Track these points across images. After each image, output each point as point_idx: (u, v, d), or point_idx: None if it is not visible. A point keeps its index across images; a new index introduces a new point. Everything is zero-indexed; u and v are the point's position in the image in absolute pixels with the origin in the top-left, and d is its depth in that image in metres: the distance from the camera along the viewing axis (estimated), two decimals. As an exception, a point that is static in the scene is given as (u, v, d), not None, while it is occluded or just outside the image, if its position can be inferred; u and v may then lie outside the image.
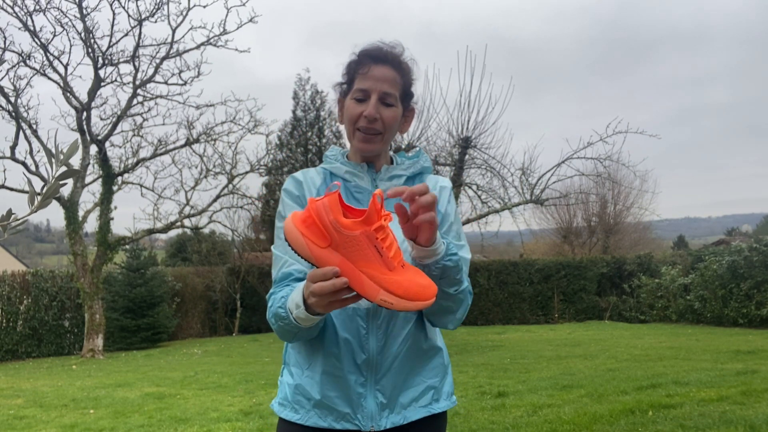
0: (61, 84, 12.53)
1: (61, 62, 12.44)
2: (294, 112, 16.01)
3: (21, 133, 12.15)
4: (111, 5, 12.01)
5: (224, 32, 12.79)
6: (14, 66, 12.09)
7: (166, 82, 13.34)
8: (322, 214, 1.09)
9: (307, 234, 1.10)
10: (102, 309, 12.87)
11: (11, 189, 12.03)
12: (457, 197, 10.70)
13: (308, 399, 1.38)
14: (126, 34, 12.48)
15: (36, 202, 1.02)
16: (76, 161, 12.85)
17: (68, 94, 12.59)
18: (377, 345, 1.36)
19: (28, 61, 12.15)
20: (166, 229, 14.93)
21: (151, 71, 13.03)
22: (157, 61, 12.91)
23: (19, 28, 11.84)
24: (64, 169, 1.00)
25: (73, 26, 12.18)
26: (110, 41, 12.40)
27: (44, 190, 1.01)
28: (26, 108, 12.37)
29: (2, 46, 11.78)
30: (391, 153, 1.56)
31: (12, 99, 12.02)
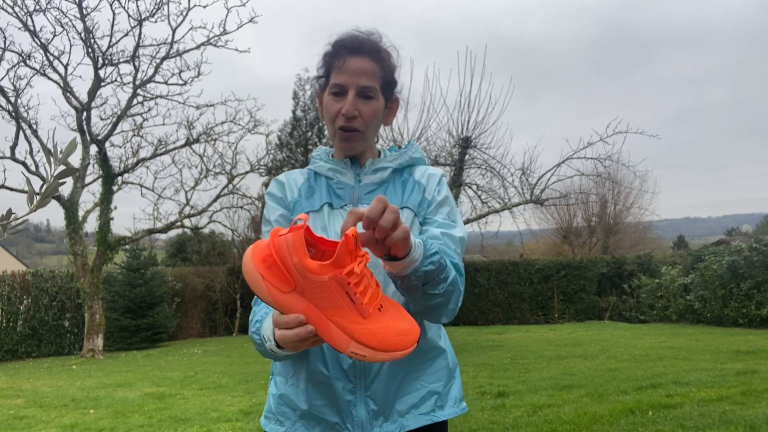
0: (61, 84, 12.54)
1: (61, 62, 12.46)
2: (294, 112, 16.02)
3: (21, 133, 12.16)
4: (111, 5, 12.01)
5: (224, 32, 12.80)
6: (14, 66, 12.11)
7: (166, 82, 13.35)
8: (284, 255, 0.95)
9: (268, 277, 0.97)
10: (102, 309, 12.87)
11: (11, 189, 12.03)
12: (457, 197, 10.69)
13: (293, 409, 1.30)
14: (126, 34, 12.49)
15: (35, 202, 1.02)
16: (75, 161, 12.86)
17: (68, 94, 12.60)
18: None
19: (28, 61, 12.15)
20: (166, 229, 14.94)
21: (151, 71, 13.05)
22: (157, 61, 12.93)
23: (19, 28, 11.85)
24: (62, 168, 1.00)
25: (73, 26, 12.20)
26: (110, 41, 12.41)
27: (43, 189, 1.01)
28: (26, 108, 12.38)
29: (2, 46, 11.80)
30: (380, 146, 1.48)
31: (12, 99, 12.03)
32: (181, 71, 13.21)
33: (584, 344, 10.61)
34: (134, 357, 12.22)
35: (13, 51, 11.97)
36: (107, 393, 7.05)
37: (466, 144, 10.41)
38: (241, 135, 15.08)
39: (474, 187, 11.10)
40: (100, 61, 12.51)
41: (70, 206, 12.69)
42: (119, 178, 13.89)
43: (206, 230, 17.84)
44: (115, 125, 13.15)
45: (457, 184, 10.58)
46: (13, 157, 12.06)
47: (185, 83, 13.34)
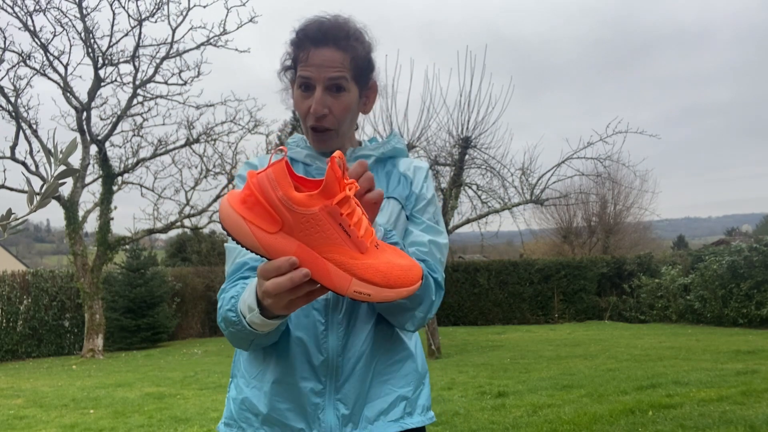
0: (61, 84, 12.54)
1: (61, 62, 12.47)
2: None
3: (21, 133, 12.17)
4: (111, 5, 12.02)
5: (224, 32, 12.81)
6: (14, 66, 12.12)
7: (166, 82, 13.35)
8: (267, 190, 0.85)
9: (250, 218, 0.86)
10: (102, 309, 12.88)
11: (11, 189, 12.05)
12: (457, 197, 10.69)
13: (255, 414, 1.17)
14: (126, 34, 12.49)
15: (35, 202, 1.02)
16: (75, 161, 12.86)
17: (68, 94, 12.60)
18: (338, 344, 1.16)
19: (28, 61, 12.17)
20: (166, 229, 14.94)
21: (151, 71, 13.05)
22: (157, 61, 12.94)
23: (19, 28, 11.87)
24: (62, 168, 1.00)
25: (73, 26, 12.20)
26: (110, 41, 12.42)
27: (43, 190, 1.01)
28: (26, 108, 12.39)
29: (2, 46, 11.81)
30: (362, 137, 1.40)
31: (12, 99, 12.04)
32: (181, 71, 13.23)
33: (584, 344, 10.61)
34: (134, 357, 12.22)
35: (13, 51, 12.01)
36: (107, 393, 7.05)
37: (466, 144, 10.40)
38: (241, 135, 15.09)
39: (474, 187, 11.09)
40: (100, 61, 12.52)
41: (70, 206, 12.70)
42: (119, 178, 13.90)
43: (206, 230, 17.85)
44: (115, 125, 13.16)
45: (457, 184, 10.57)
46: (13, 157, 12.07)
47: (185, 83, 13.36)
